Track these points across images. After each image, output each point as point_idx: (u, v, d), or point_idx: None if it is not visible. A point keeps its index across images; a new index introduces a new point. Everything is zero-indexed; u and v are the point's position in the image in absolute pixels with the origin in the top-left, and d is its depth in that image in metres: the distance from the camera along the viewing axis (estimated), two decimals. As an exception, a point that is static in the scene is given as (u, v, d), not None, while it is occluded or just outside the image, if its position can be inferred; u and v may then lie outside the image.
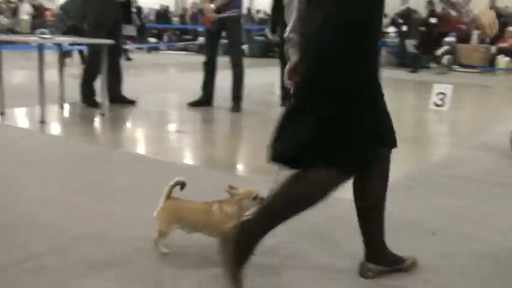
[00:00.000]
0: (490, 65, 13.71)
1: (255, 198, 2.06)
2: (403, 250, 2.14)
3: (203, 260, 2.14)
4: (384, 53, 15.41)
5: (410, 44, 14.88)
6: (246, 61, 6.41)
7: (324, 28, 1.75)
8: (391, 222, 2.13)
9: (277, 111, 6.61)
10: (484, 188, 3.45)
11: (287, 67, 2.07)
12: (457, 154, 4.50)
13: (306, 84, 1.81)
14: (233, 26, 6.14)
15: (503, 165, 4.12)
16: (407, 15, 14.03)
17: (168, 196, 2.10)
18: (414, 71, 12.99)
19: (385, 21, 18.71)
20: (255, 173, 3.69)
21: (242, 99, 6.29)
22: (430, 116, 6.54)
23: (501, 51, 13.74)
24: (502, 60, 13.47)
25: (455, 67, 13.73)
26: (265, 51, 16.08)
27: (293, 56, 2.03)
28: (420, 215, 2.87)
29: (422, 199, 3.17)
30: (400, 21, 14.50)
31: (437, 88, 6.68)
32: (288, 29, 2.02)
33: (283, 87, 6.98)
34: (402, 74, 12.55)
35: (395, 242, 2.12)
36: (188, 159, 4.26)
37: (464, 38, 14.69)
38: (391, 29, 16.68)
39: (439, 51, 14.21)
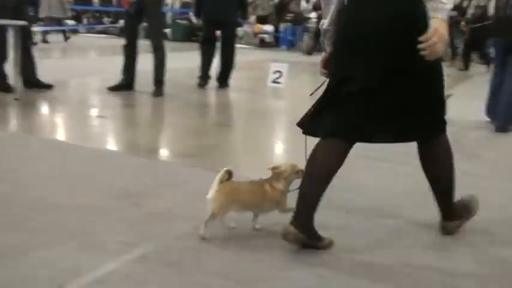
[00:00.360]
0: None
1: (297, 172, 2.30)
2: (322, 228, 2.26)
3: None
4: (305, 38, 15.67)
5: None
6: (169, 45, 6.38)
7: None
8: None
9: (199, 95, 6.65)
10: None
11: (322, 57, 2.31)
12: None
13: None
14: (153, 8, 6.06)
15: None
16: None
17: (222, 181, 2.22)
18: None
19: (307, 6, 19.14)
20: (178, 157, 3.72)
21: (164, 83, 6.25)
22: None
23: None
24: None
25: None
26: (189, 35, 15.94)
27: (328, 48, 2.26)
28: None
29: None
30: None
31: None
32: (326, 21, 2.20)
33: (204, 70, 7.05)
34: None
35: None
36: (109, 144, 4.20)
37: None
38: (313, 15, 17.05)
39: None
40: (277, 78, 7.20)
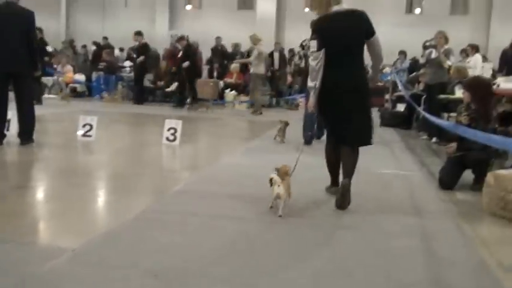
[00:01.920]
0: (220, 98, 14.99)
1: (287, 171, 3.89)
2: None
3: None
4: (119, 87, 15.45)
5: (146, 79, 15.28)
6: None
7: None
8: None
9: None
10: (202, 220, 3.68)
11: (310, 101, 4.18)
12: (185, 189, 4.71)
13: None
14: None
15: (224, 200, 4.46)
16: (142, 49, 14.39)
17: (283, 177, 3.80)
18: (179, 107, 13.34)
19: (121, 55, 18.95)
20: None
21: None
22: (163, 151, 6.77)
23: (227, 86, 15.26)
24: (229, 94, 14.93)
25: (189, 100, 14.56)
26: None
27: (313, 97, 4.14)
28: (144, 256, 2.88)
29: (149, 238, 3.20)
30: (134, 55, 14.79)
31: (169, 123, 6.96)
32: (316, 83, 4.07)
33: None
34: (143, 108, 12.80)
35: None
36: None
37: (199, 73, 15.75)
38: (127, 63, 16.93)
39: (172, 86, 14.95)
40: (87, 131, 6.84)
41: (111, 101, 14.27)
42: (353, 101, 4.09)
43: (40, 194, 4.45)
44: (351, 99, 4.08)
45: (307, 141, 7.06)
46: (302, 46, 11.59)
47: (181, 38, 14.05)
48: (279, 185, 3.73)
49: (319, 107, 4.18)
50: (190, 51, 13.88)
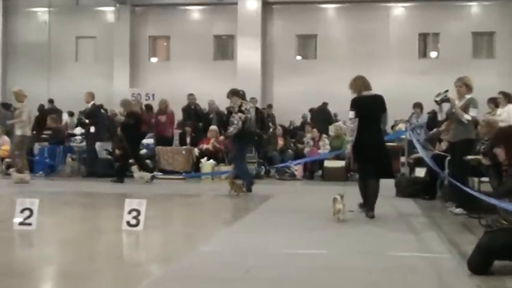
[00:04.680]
0: (194, 169, 14.99)
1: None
2: None
3: None
4: (69, 160, 15.43)
5: (102, 149, 15.33)
6: None
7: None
8: None
9: None
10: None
11: (348, 152, 8.51)
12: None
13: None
14: None
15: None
16: (94, 113, 14.53)
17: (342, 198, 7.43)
18: (119, 181, 13.32)
19: (71, 120, 19.10)
20: None
21: None
22: (124, 239, 6.67)
23: (204, 153, 15.25)
24: (206, 164, 14.89)
25: (157, 174, 14.57)
26: None
27: (349, 148, 8.37)
28: None
29: None
30: (86, 121, 14.89)
31: (130, 204, 6.90)
32: (352, 138, 8.21)
33: None
34: (99, 185, 12.75)
35: None
36: None
37: (166, 140, 15.86)
38: (78, 131, 17.01)
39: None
40: (26, 217, 6.74)
41: (57, 178, 14.22)
42: (376, 150, 8.13)
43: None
44: (375, 149, 8.12)
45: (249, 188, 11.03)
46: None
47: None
48: (339, 203, 7.34)
49: (354, 154, 8.26)
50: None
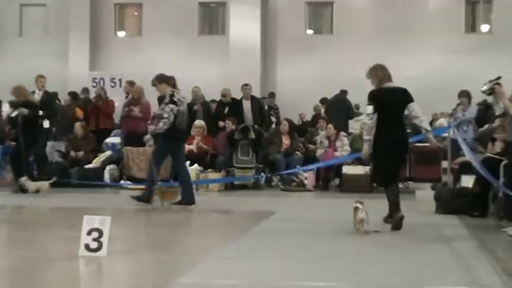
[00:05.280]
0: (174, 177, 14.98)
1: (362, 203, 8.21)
2: None
3: None
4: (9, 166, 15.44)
5: (54, 149, 15.35)
6: None
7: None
8: None
9: None
10: None
11: (364, 152, 9.29)
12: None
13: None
14: None
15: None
16: (47, 103, 14.57)
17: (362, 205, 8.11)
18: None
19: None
20: None
21: None
22: (81, 268, 6.65)
23: (186, 157, 15.21)
24: (189, 170, 14.89)
25: (126, 183, 14.59)
26: None
27: (367, 149, 9.09)
28: None
29: None
30: (40, 112, 14.96)
31: (90, 222, 6.86)
32: (370, 137, 8.81)
33: None
34: (49, 197, 12.73)
35: None
36: None
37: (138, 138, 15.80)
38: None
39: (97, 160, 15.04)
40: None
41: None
42: (398, 149, 8.93)
43: None
44: (396, 147, 8.85)
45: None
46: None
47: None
48: (362, 212, 7.89)
49: (373, 154, 9.02)
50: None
